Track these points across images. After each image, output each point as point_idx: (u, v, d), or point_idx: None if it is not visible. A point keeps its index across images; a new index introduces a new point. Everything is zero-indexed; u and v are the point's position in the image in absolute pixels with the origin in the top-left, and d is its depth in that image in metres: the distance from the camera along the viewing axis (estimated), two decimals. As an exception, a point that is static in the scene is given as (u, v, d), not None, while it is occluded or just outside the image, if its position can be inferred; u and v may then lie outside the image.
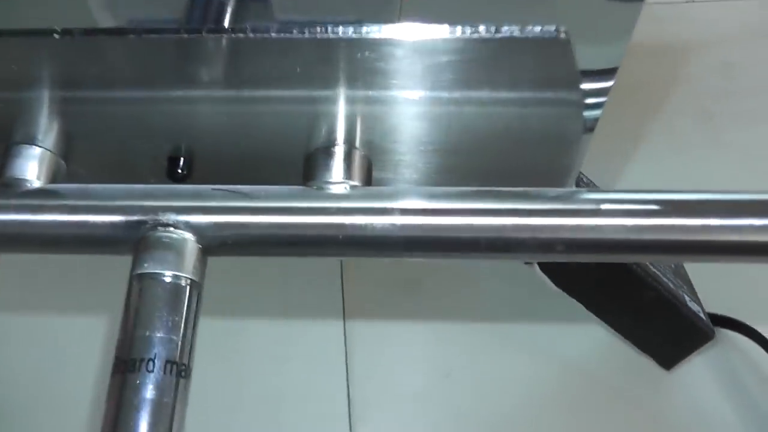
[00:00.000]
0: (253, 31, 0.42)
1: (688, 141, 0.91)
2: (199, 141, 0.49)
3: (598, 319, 0.68)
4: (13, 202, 0.46)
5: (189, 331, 0.44)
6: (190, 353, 0.44)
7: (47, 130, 0.49)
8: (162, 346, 0.42)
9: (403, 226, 0.45)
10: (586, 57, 0.43)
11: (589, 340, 0.74)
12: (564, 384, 0.72)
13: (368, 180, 0.47)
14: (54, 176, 0.49)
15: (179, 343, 0.43)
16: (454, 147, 0.49)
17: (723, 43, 1.01)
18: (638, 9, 0.42)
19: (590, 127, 0.48)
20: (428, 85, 0.44)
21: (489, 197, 0.45)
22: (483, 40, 0.42)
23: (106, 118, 0.48)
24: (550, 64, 0.43)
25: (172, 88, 0.45)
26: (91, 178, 0.51)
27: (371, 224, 0.45)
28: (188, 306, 0.44)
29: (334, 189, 0.46)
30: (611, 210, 0.45)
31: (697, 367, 0.72)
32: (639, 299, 0.64)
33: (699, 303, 0.68)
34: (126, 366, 0.41)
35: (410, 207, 0.45)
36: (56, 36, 0.42)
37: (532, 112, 0.46)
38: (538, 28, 0.41)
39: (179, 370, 0.42)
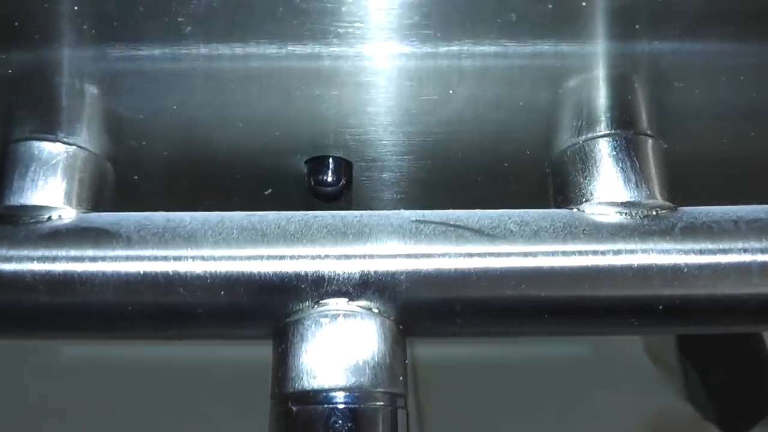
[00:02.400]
0: None
1: None
2: (365, 126, 0.28)
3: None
4: (26, 253, 0.25)
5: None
6: None
7: (80, 113, 0.27)
8: None
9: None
10: None
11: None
12: None
13: (670, 193, 0.28)
14: (97, 195, 0.27)
15: None
16: None
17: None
18: None
19: None
20: None
21: None
22: None
23: (188, 85, 0.26)
24: None
25: (310, 35, 0.24)
26: (160, 193, 0.30)
27: (714, 274, 0.25)
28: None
29: (631, 216, 0.26)
30: None
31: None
32: (743, 345, 0.61)
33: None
34: None
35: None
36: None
37: None
38: None
39: None
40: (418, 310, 0.24)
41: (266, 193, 0.31)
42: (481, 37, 0.25)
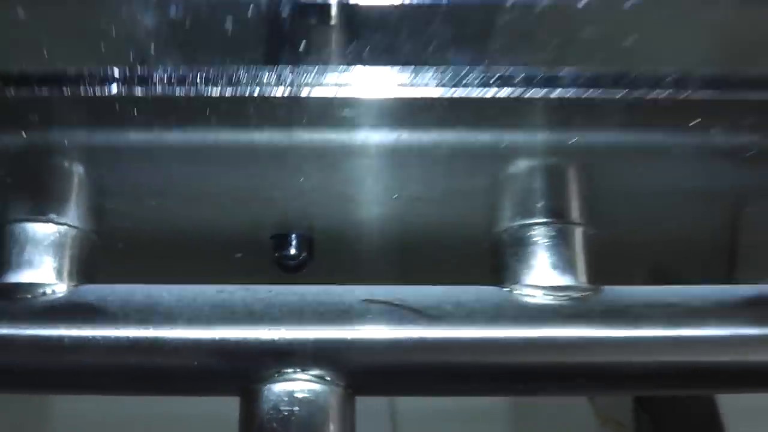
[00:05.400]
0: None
1: None
2: (325, 209, 0.34)
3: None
4: (24, 325, 0.30)
5: None
6: None
7: (69, 197, 0.33)
8: None
9: (670, 350, 0.31)
10: None
11: None
12: None
13: (595, 276, 0.33)
14: (84, 267, 0.33)
15: None
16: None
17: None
18: None
19: None
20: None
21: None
22: None
23: (161, 167, 0.32)
24: None
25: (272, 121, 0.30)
26: (140, 256, 0.36)
27: (627, 345, 0.31)
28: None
29: (555, 298, 0.32)
30: None
31: None
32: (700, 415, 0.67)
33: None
34: None
35: (680, 327, 0.31)
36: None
37: None
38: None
39: None
40: (363, 378, 0.30)
41: (237, 256, 0.37)
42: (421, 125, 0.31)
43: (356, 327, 0.30)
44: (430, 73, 0.29)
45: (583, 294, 0.32)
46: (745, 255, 0.37)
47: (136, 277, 0.32)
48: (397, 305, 0.31)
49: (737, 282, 0.38)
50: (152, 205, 0.33)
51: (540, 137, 0.32)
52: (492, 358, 0.30)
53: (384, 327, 0.30)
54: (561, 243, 0.33)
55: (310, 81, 0.27)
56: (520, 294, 0.32)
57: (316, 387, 0.30)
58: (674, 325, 0.31)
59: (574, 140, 0.32)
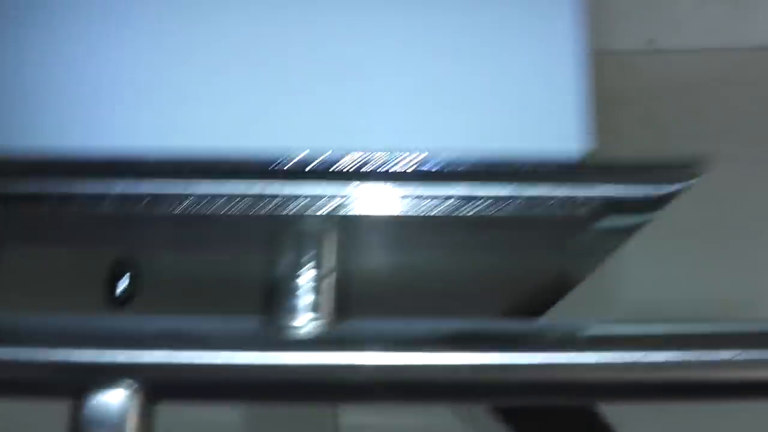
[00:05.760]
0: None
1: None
2: (142, 258, 0.46)
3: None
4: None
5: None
6: None
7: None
8: None
9: (382, 370, 0.43)
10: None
11: None
12: None
13: (343, 314, 0.45)
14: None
15: None
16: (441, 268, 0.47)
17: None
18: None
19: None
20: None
21: (482, 335, 0.43)
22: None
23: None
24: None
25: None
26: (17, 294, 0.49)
27: (347, 368, 0.42)
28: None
29: (301, 328, 0.44)
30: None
31: None
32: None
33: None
34: None
35: (391, 350, 0.43)
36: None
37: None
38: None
39: None
40: (160, 390, 0.42)
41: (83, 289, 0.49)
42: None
43: (152, 350, 0.42)
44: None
45: (323, 326, 0.43)
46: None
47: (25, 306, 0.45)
48: (181, 333, 0.43)
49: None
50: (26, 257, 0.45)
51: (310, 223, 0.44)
52: (245, 375, 0.42)
53: (170, 350, 0.42)
54: (317, 288, 0.44)
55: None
56: (274, 326, 0.43)
57: (124, 396, 0.42)
58: (389, 349, 0.42)
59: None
